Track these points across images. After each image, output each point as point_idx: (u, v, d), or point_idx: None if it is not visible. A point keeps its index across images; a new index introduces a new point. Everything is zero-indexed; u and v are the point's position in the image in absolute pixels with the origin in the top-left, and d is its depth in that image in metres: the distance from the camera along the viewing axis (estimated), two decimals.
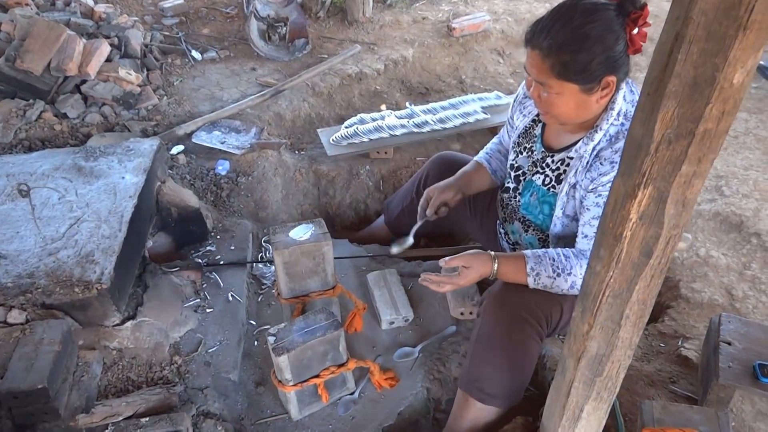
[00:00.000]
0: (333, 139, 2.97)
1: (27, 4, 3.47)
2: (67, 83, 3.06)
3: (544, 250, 1.75)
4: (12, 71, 2.95)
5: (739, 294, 2.18)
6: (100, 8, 3.68)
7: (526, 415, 1.84)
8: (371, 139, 2.96)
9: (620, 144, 1.59)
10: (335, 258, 2.48)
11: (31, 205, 2.07)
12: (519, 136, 1.95)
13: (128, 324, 1.90)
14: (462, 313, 2.14)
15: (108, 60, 3.17)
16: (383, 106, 3.39)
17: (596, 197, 1.64)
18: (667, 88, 0.88)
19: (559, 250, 1.73)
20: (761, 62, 3.63)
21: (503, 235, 2.12)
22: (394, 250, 2.08)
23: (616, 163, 1.56)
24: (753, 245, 2.37)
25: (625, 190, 1.02)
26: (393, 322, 2.17)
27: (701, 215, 2.53)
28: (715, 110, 0.87)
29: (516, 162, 1.94)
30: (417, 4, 4.40)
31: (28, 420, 1.61)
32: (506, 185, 2.00)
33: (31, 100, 2.98)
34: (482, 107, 3.17)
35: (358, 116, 3.10)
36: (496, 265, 1.73)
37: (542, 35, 1.54)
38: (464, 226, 2.39)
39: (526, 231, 1.95)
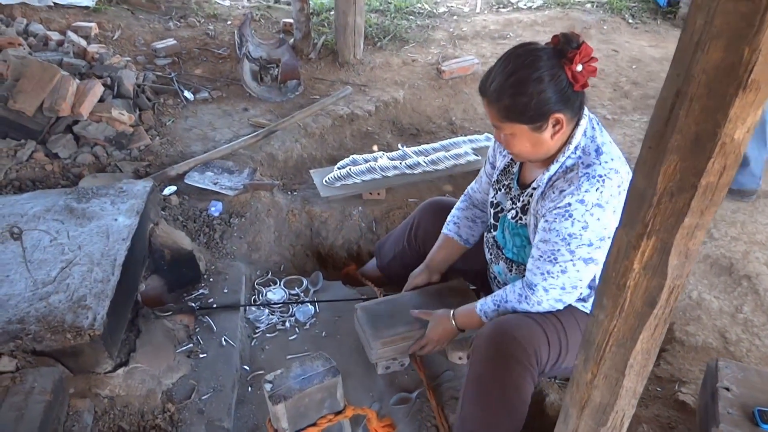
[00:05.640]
0: (326, 180, 2.98)
1: (20, 45, 3.48)
2: (59, 123, 3.06)
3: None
4: (4, 111, 2.94)
5: (732, 337, 2.19)
6: (93, 48, 3.72)
7: None
8: (364, 181, 2.97)
9: (572, 174, 1.66)
10: (328, 301, 2.47)
11: (22, 248, 2.04)
12: (499, 174, 2.01)
13: (120, 371, 1.86)
14: (460, 358, 2.12)
15: (101, 100, 3.18)
16: (375, 147, 3.41)
17: (544, 222, 1.71)
18: (669, 143, 0.90)
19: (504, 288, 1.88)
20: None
21: (493, 279, 2.13)
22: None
23: (565, 190, 1.65)
24: (744, 288, 2.39)
25: (627, 240, 1.03)
26: (389, 367, 2.14)
27: None
28: (717, 164, 0.89)
29: (495, 199, 2.01)
30: (407, 47, 4.48)
31: None
32: (489, 224, 2.04)
33: (22, 140, 2.96)
34: (473, 149, 3.21)
35: (351, 157, 3.12)
36: (453, 320, 1.97)
37: (487, 84, 1.65)
38: (459, 273, 2.39)
39: (510, 270, 1.97)
